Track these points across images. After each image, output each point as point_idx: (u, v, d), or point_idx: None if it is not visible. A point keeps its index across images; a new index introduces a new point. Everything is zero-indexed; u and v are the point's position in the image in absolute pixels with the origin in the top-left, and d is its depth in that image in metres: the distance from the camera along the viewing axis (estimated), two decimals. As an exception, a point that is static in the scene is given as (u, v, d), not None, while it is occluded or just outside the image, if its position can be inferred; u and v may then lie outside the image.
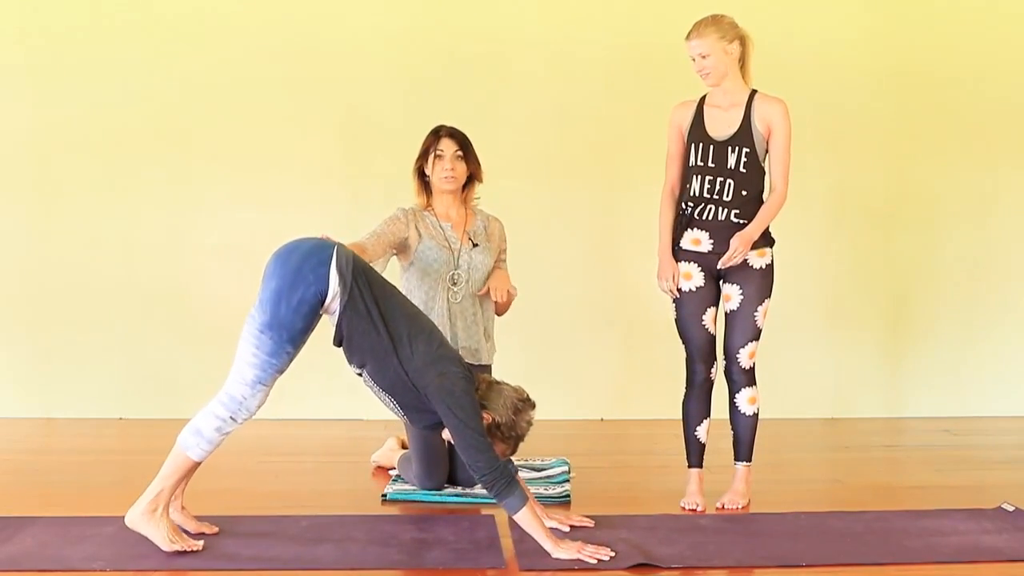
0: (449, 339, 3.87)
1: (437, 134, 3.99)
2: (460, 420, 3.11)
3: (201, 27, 5.26)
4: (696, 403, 3.78)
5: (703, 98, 3.74)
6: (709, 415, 3.79)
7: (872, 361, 5.57)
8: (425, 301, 3.93)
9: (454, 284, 3.94)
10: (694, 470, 3.80)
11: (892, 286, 5.56)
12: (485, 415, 3.17)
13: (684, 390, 3.80)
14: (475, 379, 3.25)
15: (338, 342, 3.23)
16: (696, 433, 3.79)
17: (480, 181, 4.05)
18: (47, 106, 5.23)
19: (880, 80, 5.47)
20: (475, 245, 3.98)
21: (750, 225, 3.63)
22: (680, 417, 3.82)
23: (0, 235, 5.27)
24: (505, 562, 3.10)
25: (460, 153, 3.97)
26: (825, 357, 5.54)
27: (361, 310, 3.16)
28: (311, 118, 5.31)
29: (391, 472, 4.15)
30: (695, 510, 3.69)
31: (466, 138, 4.01)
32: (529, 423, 3.27)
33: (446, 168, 3.94)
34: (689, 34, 3.62)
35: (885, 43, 5.46)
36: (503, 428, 3.20)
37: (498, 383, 3.29)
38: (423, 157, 3.98)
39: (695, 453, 3.80)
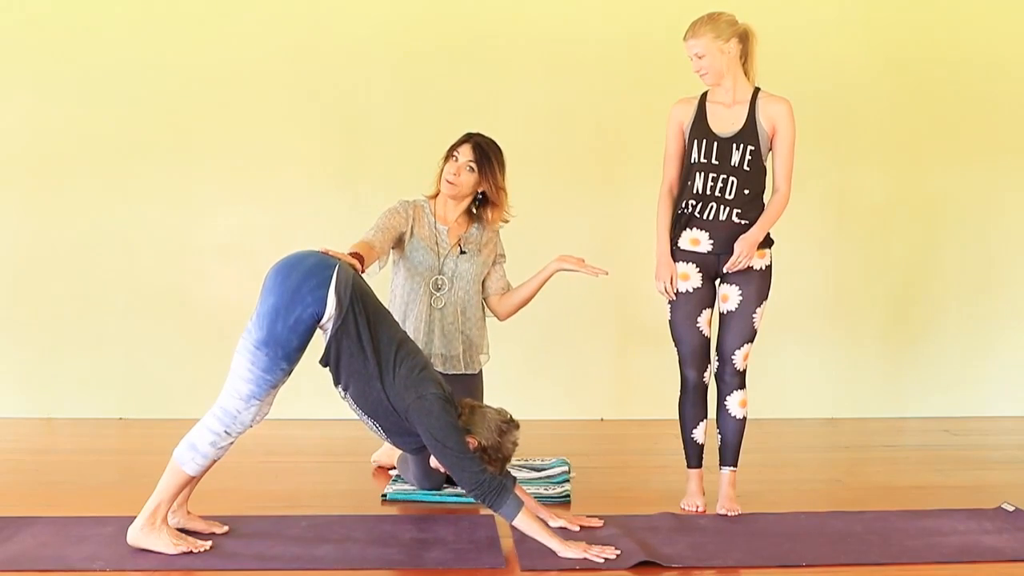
0: (423, 344, 3.88)
1: (464, 137, 3.99)
2: (439, 440, 3.13)
3: (201, 27, 5.26)
4: (691, 407, 3.76)
5: (704, 95, 3.70)
6: (706, 416, 3.78)
7: (872, 361, 5.56)
8: (407, 303, 3.94)
9: (437, 290, 3.92)
10: (694, 470, 3.79)
11: (892, 286, 5.56)
12: (470, 439, 3.19)
13: (679, 392, 3.78)
14: (457, 404, 3.27)
15: (325, 362, 3.24)
16: (693, 435, 3.77)
17: (496, 205, 3.95)
18: (47, 106, 5.23)
19: (881, 77, 5.47)
20: (462, 252, 3.96)
21: (753, 228, 3.59)
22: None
23: (0, 235, 5.27)
24: (505, 562, 3.10)
25: (472, 165, 3.91)
26: (825, 357, 5.54)
27: (352, 334, 3.18)
28: (310, 117, 5.31)
29: (391, 472, 4.15)
30: (696, 510, 3.69)
31: (488, 154, 3.92)
32: (515, 444, 3.29)
33: (451, 172, 3.93)
34: (685, 34, 3.60)
35: (886, 40, 5.46)
36: (489, 451, 3.22)
37: (481, 406, 3.31)
38: (446, 157, 3.98)
39: (694, 455, 3.79)
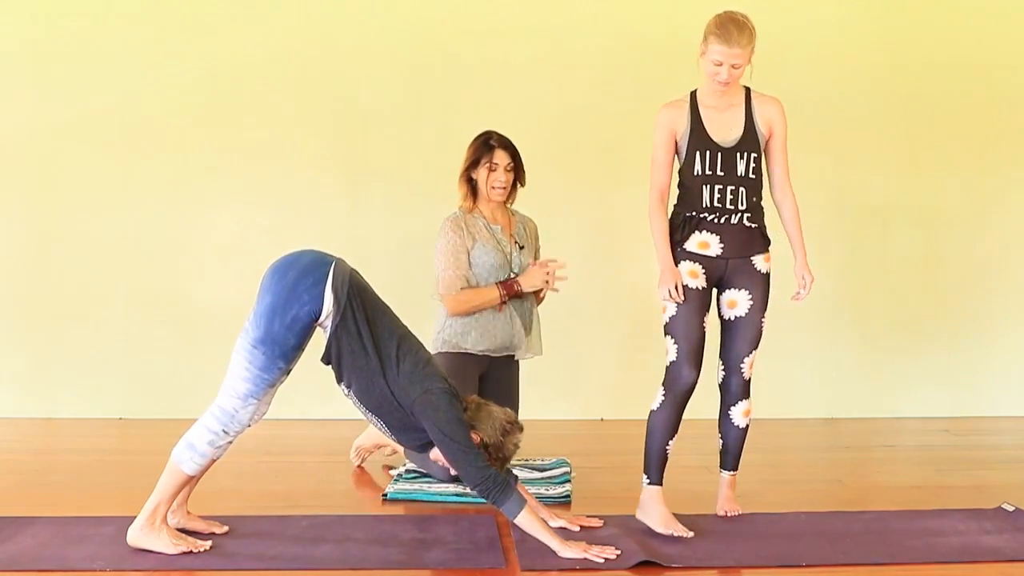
0: (515, 341, 4.07)
1: (489, 144, 4.06)
2: (445, 434, 3.13)
3: (202, 27, 5.26)
4: (671, 414, 3.49)
5: (693, 96, 3.55)
6: (678, 430, 3.55)
7: (872, 361, 5.56)
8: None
9: None
10: (654, 488, 3.48)
11: (892, 286, 5.56)
12: (473, 435, 3.19)
13: (661, 398, 3.50)
14: (463, 399, 3.28)
15: (327, 361, 3.24)
16: (667, 448, 3.51)
17: (523, 185, 4.17)
18: (47, 106, 5.23)
19: (882, 78, 5.46)
20: (521, 247, 4.11)
21: (799, 254, 3.58)
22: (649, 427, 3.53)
23: (0, 235, 5.27)
24: (505, 562, 3.10)
25: (512, 164, 4.08)
26: (825, 357, 5.54)
27: (352, 330, 3.17)
28: (311, 117, 5.31)
29: (391, 472, 4.16)
30: (672, 536, 3.38)
31: (515, 147, 4.11)
32: (516, 445, 3.28)
33: (499, 180, 4.05)
34: (726, 40, 3.32)
35: (886, 41, 5.45)
36: (491, 449, 3.22)
37: (488, 405, 3.31)
38: (473, 165, 4.06)
39: (658, 468, 3.50)
